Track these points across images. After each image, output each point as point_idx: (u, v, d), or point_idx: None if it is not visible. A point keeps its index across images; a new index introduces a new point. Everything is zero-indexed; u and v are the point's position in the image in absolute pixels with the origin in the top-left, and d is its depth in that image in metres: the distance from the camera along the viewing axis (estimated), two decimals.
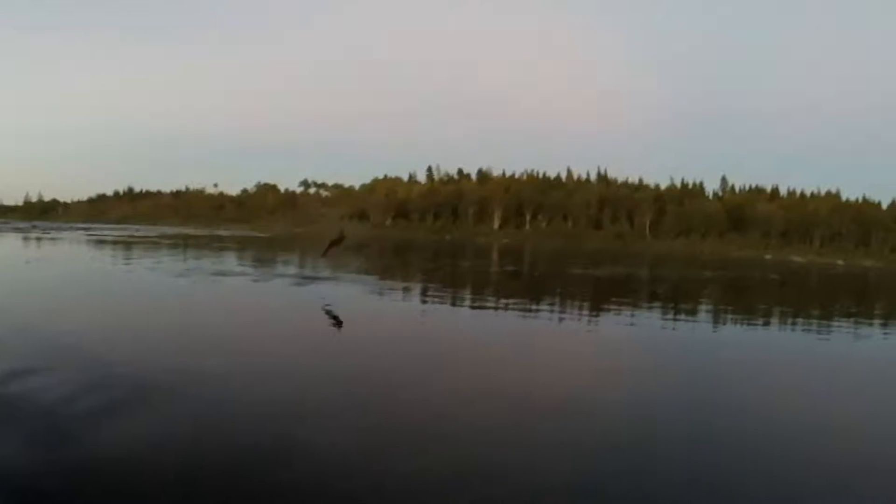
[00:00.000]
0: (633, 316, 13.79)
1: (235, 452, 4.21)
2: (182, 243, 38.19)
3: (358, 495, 3.66)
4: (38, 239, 36.09)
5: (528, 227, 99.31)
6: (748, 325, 14.51)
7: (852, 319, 16.56)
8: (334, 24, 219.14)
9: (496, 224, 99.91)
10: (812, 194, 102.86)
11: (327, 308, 12.24)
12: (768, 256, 75.83)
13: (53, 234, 44.74)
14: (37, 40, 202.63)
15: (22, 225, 62.51)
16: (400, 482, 3.89)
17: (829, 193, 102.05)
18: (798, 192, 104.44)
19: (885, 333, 14.30)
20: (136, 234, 51.32)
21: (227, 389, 5.77)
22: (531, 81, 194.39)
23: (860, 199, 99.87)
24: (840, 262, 73.32)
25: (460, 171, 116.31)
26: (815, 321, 15.87)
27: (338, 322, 10.88)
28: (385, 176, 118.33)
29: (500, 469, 4.19)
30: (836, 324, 15.32)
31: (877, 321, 16.97)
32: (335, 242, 16.65)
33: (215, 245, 37.80)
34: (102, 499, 3.52)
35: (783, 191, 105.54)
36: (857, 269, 59.92)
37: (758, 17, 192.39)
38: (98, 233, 49.96)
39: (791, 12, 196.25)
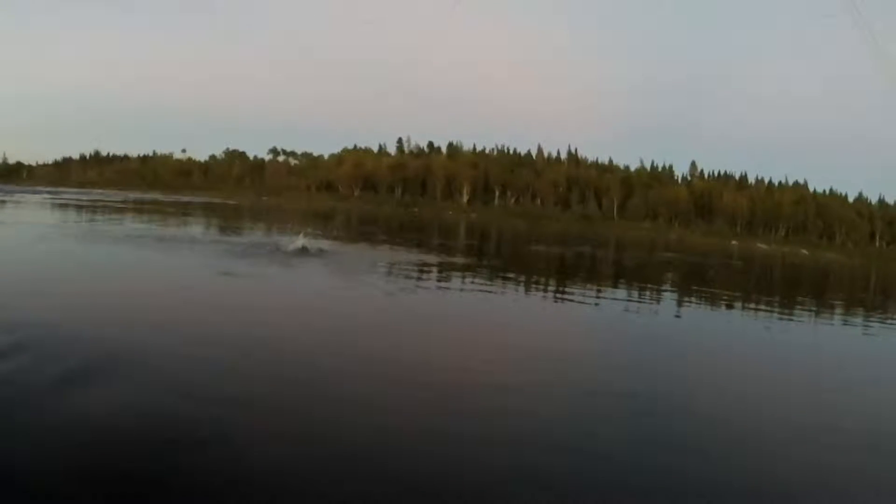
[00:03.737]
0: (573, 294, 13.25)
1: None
2: (143, 209, 37.31)
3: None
4: (2, 202, 35.54)
5: (496, 203, 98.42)
6: (695, 307, 13.89)
7: (803, 308, 16.15)
8: None
9: (464, 199, 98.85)
10: (780, 184, 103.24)
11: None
12: (734, 243, 76.01)
13: (17, 197, 43.77)
14: (3, 6, 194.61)
15: None
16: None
17: (796, 184, 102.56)
18: (766, 181, 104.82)
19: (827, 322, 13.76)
20: (98, 199, 49.96)
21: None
22: (503, 63, 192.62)
23: (827, 192, 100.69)
24: (805, 252, 73.75)
25: (430, 145, 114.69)
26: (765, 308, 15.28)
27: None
28: (355, 146, 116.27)
29: None
30: (785, 312, 14.80)
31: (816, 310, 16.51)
32: None
33: (173, 212, 36.97)
34: None
35: (752, 179, 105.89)
36: (818, 260, 60.09)
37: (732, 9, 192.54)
38: (60, 197, 48.44)
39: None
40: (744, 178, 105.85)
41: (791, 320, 13.49)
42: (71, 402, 4.33)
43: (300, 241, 17.04)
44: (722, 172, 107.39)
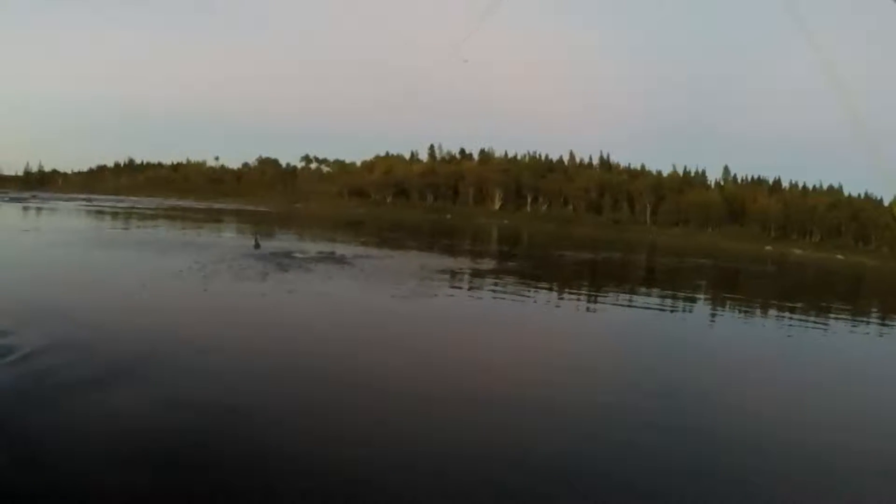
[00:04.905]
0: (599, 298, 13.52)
1: None
2: (176, 216, 38.56)
3: None
4: (39, 209, 37.44)
5: (528, 209, 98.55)
6: (729, 315, 14.22)
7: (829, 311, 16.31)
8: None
9: (496, 205, 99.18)
10: (814, 188, 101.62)
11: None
12: (769, 248, 75.31)
13: (52, 204, 45.42)
14: (40, 13, 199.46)
15: (21, 195, 62.69)
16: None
17: (830, 188, 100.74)
18: (800, 185, 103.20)
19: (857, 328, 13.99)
20: (132, 206, 51.47)
21: None
22: (536, 70, 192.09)
23: (862, 195, 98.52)
24: (840, 256, 72.67)
25: (462, 151, 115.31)
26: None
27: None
28: (387, 153, 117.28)
29: None
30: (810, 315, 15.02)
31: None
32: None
33: (206, 219, 38.10)
34: None
35: (785, 183, 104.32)
36: (853, 265, 59.14)
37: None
38: (94, 204, 50.03)
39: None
40: (777, 182, 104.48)
41: (826, 328, 13.71)
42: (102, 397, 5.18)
43: (331, 247, 17.63)
44: (755, 177, 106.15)
